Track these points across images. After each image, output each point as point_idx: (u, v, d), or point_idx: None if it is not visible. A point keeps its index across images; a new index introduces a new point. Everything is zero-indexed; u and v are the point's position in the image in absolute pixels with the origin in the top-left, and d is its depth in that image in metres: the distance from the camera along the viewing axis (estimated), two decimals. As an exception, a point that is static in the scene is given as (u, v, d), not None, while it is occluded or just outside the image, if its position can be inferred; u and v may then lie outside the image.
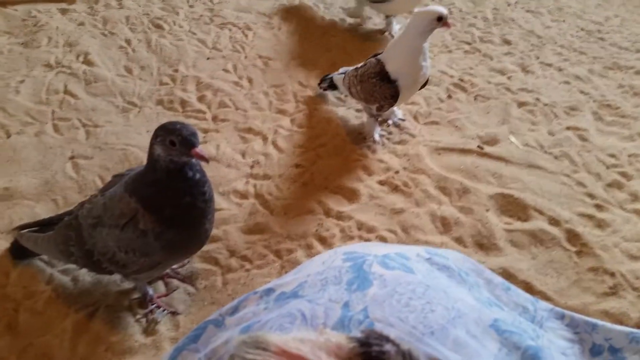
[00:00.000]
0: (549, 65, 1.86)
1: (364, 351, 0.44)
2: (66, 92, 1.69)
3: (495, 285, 0.87)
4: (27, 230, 1.15)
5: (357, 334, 0.46)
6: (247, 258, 1.22)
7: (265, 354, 0.46)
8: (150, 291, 1.11)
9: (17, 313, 1.11)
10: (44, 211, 1.31)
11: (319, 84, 1.67)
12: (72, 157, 1.46)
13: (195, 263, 1.20)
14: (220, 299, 1.14)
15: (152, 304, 1.11)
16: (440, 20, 1.27)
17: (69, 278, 1.17)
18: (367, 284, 0.68)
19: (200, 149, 0.89)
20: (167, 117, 1.60)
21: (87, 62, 1.82)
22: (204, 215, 0.97)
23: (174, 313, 1.11)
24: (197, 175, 0.94)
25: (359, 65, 1.46)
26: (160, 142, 0.88)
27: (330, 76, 1.62)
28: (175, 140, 0.87)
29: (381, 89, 1.36)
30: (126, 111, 1.63)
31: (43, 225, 1.14)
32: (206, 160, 0.90)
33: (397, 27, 2.02)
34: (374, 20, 2.10)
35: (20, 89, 1.69)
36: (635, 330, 0.87)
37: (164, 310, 1.11)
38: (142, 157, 1.45)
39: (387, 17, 2.01)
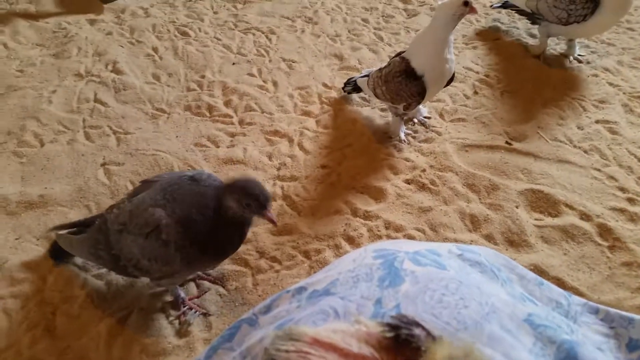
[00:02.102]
0: (576, 58, 1.83)
1: (394, 334, 0.45)
2: (96, 100, 1.73)
3: (528, 280, 0.86)
4: (64, 231, 1.18)
5: (387, 319, 0.47)
6: (276, 259, 1.23)
7: (298, 344, 0.47)
8: (182, 294, 1.14)
9: (54, 317, 1.14)
10: (77, 217, 1.34)
11: (343, 88, 1.67)
12: (103, 164, 1.50)
13: (225, 265, 1.22)
14: (251, 300, 1.15)
15: (184, 306, 1.13)
16: (467, 5, 1.26)
17: (103, 282, 1.20)
18: (399, 280, 0.68)
19: (271, 212, 0.96)
20: (195, 122, 1.63)
21: (116, 70, 1.86)
22: (235, 249, 1.04)
23: (206, 314, 1.13)
24: (250, 227, 1.01)
25: (383, 66, 1.46)
26: (236, 200, 0.94)
27: (353, 79, 1.62)
28: (252, 205, 0.94)
29: (407, 87, 1.36)
30: (155, 118, 1.66)
31: (78, 227, 1.17)
32: (275, 223, 0.98)
33: (578, 50, 1.86)
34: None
35: (53, 99, 1.74)
36: (675, 323, 0.85)
37: (195, 312, 1.13)
38: (172, 162, 1.48)
39: (569, 40, 1.85)
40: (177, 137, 1.57)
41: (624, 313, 0.87)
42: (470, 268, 0.78)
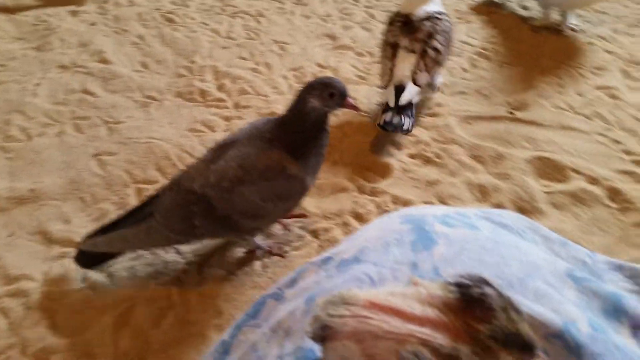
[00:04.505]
0: (570, 27, 1.82)
1: (464, 293, 0.42)
2: (84, 91, 1.68)
3: (552, 241, 0.84)
4: (92, 237, 1.10)
5: (451, 279, 0.43)
6: (284, 240, 1.20)
7: (354, 309, 0.43)
8: (262, 242, 1.17)
9: (55, 313, 1.09)
10: (71, 210, 1.29)
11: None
12: (96, 154, 1.45)
13: (232, 249, 1.18)
14: (261, 282, 1.12)
15: (266, 249, 1.17)
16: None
17: (103, 275, 1.15)
18: (432, 243, 0.65)
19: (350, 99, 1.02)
20: (188, 108, 1.58)
21: (103, 60, 1.80)
22: (321, 166, 1.07)
23: (282, 255, 1.17)
24: (329, 128, 1.05)
25: None
26: (317, 95, 0.98)
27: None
28: (334, 92, 0.98)
29: None
30: (146, 105, 1.61)
31: (111, 227, 1.10)
32: (358, 109, 1.06)
33: (572, 21, 1.82)
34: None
35: (38, 91, 1.68)
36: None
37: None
38: (167, 149, 1.43)
39: (563, 10, 1.83)
40: (170, 123, 1.53)
41: (649, 267, 0.85)
42: (500, 229, 0.75)
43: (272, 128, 1.03)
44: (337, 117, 1.50)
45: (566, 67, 1.64)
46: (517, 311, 0.44)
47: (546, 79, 1.60)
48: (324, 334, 0.44)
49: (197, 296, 1.09)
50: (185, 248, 1.18)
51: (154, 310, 1.08)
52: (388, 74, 1.39)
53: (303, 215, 1.24)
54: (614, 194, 1.23)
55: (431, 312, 0.42)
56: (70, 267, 1.16)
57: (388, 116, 1.32)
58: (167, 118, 1.55)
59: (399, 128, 1.31)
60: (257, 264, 1.15)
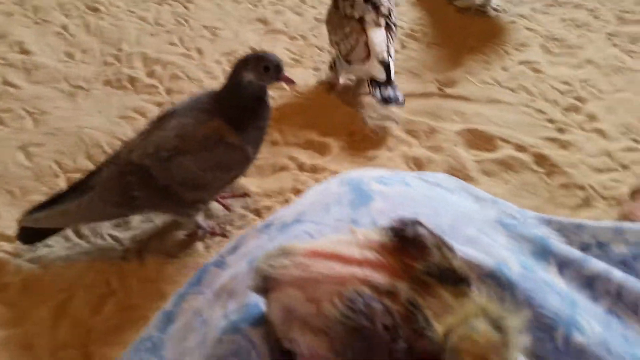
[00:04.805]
0: (494, 8, 1.89)
1: (399, 235, 0.43)
2: (5, 82, 1.58)
3: (483, 199, 0.88)
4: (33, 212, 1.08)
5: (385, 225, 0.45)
6: (226, 220, 1.19)
7: (295, 258, 0.44)
8: (203, 223, 1.14)
9: (-11, 307, 1.04)
10: (0, 204, 1.23)
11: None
12: (22, 147, 1.38)
13: (174, 232, 1.16)
14: (203, 263, 1.10)
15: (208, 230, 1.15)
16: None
17: (37, 266, 1.10)
18: (369, 199, 0.67)
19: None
20: (118, 96, 1.54)
21: (24, 51, 1.71)
22: (263, 140, 1.09)
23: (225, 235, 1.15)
24: (269, 102, 1.06)
25: None
26: (252, 69, 0.99)
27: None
28: (269, 66, 0.99)
29: None
30: (73, 95, 1.55)
31: (52, 202, 1.09)
32: (293, 82, 1.09)
33: (495, 2, 1.85)
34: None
35: (-48, 86, 1.58)
36: (618, 222, 0.90)
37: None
38: (98, 137, 1.39)
39: None
40: (99, 112, 1.48)
41: (574, 220, 0.91)
42: (434, 187, 0.78)
43: (211, 100, 1.04)
44: (275, 98, 1.50)
45: (491, 45, 1.71)
46: (450, 249, 0.46)
47: (473, 56, 1.67)
48: (266, 286, 0.45)
49: (138, 281, 1.06)
50: (123, 234, 1.15)
51: (93, 298, 1.04)
52: (363, 48, 1.40)
53: (245, 195, 1.24)
54: (540, 159, 1.31)
55: (370, 255, 0.43)
56: (2, 260, 1.10)
57: (384, 91, 1.36)
58: (97, 107, 1.50)
59: (396, 101, 1.35)
60: (199, 246, 1.14)
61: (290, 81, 1.06)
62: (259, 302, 0.54)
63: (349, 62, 1.44)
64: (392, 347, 0.38)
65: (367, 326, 0.37)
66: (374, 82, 1.38)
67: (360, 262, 0.44)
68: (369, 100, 1.48)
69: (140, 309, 1.02)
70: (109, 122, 1.44)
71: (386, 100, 1.35)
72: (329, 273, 0.43)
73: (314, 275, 0.44)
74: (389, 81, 1.37)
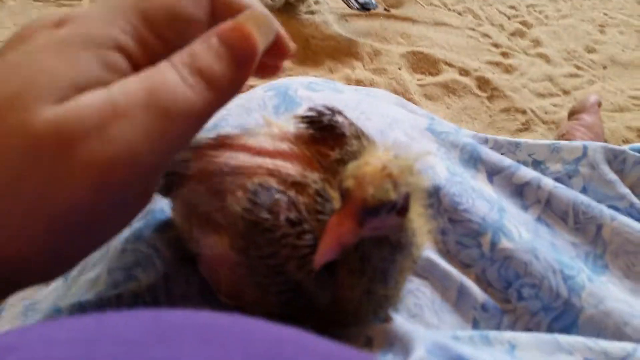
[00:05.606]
0: None
1: (314, 122, 0.39)
2: None
3: (419, 115, 0.85)
4: None
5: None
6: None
7: (199, 151, 0.39)
8: None
9: None
10: None
11: None
12: None
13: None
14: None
15: None
16: None
17: None
18: (295, 105, 0.62)
19: None
20: (37, 8, 1.40)
21: None
22: None
23: None
24: None
25: None
26: None
27: None
28: None
29: None
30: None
31: None
32: None
33: None
34: None
35: None
36: (555, 141, 0.90)
37: None
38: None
39: None
40: (16, 25, 1.35)
41: (510, 138, 0.90)
42: (366, 96, 0.74)
43: None
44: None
45: (440, -33, 1.64)
46: (370, 139, 0.42)
47: (421, -22, 1.60)
48: (169, 184, 0.40)
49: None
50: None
51: None
52: None
53: None
54: (483, 83, 1.29)
55: (283, 146, 0.39)
56: None
57: None
58: (12, 20, 1.37)
59: (372, 5, 1.34)
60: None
61: None
62: (163, 207, 0.49)
63: None
64: (297, 243, 0.33)
65: (269, 220, 0.33)
66: None
67: (271, 153, 0.39)
68: (313, 19, 1.41)
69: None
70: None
71: (364, 7, 1.33)
72: (235, 164, 0.38)
73: (219, 167, 0.38)
74: None
